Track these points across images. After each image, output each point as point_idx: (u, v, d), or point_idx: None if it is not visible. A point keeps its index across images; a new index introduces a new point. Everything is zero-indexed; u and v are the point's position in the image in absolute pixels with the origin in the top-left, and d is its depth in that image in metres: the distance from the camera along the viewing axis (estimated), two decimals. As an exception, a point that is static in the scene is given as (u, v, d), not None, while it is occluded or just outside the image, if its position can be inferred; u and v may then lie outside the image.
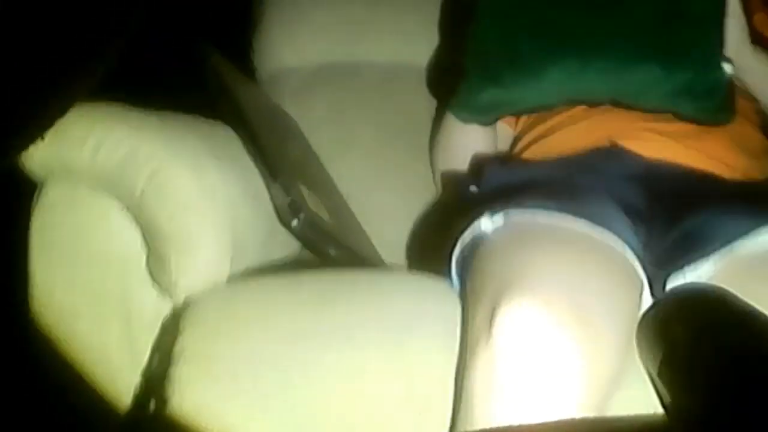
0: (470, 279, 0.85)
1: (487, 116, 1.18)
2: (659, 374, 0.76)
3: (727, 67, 1.08)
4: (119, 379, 0.94)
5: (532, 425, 0.71)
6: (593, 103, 1.13)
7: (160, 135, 0.92)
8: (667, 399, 0.75)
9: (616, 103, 1.11)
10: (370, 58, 1.43)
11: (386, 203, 1.31)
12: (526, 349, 0.71)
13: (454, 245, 0.91)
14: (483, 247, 0.87)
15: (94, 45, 0.93)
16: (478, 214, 0.90)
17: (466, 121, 1.19)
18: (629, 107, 1.10)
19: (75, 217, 0.93)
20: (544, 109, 1.15)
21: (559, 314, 0.73)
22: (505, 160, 1.21)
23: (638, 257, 0.86)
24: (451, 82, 1.20)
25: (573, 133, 1.13)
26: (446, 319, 0.84)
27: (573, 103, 1.14)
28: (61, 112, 0.91)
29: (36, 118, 0.90)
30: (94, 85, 0.94)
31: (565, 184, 0.98)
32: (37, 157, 0.92)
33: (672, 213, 0.95)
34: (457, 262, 0.91)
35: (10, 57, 0.85)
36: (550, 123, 1.17)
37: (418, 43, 1.43)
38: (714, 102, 1.09)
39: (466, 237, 0.90)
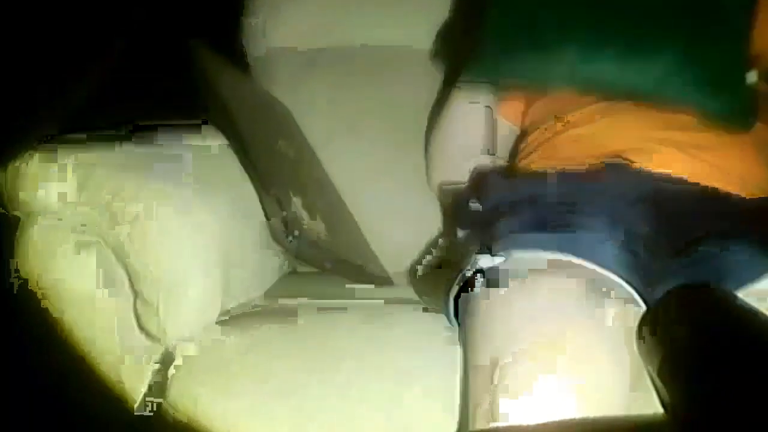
0: (470, 328, 0.84)
1: (502, 78, 1.14)
2: (659, 374, 0.76)
3: (751, 75, 1.05)
4: (111, 419, 0.92)
5: (532, 425, 0.72)
6: (608, 93, 1.08)
7: (144, 173, 0.90)
8: (667, 399, 0.75)
9: (633, 96, 1.06)
10: (365, 42, 1.39)
11: (382, 195, 1.29)
12: (528, 413, 0.71)
13: (453, 280, 0.89)
14: (482, 296, 0.85)
15: (94, 44, 0.91)
16: (476, 246, 0.88)
17: (477, 89, 1.17)
18: (646, 100, 1.06)
19: (58, 257, 0.91)
20: (558, 87, 1.11)
21: (561, 379, 0.73)
22: (507, 172, 1.17)
23: (638, 292, 0.84)
24: (453, 64, 1.17)
25: (583, 139, 1.08)
26: (446, 368, 0.82)
27: (587, 89, 1.09)
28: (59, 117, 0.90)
29: (34, 122, 0.89)
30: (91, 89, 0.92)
31: (565, 210, 0.94)
32: (17, 195, 0.90)
33: (679, 241, 0.92)
34: (455, 301, 0.89)
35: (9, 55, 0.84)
36: (560, 124, 1.12)
37: (414, 27, 1.39)
38: (736, 100, 1.05)
39: (466, 273, 0.88)
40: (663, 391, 0.76)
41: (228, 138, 1.02)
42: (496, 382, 0.73)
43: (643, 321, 0.82)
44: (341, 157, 1.29)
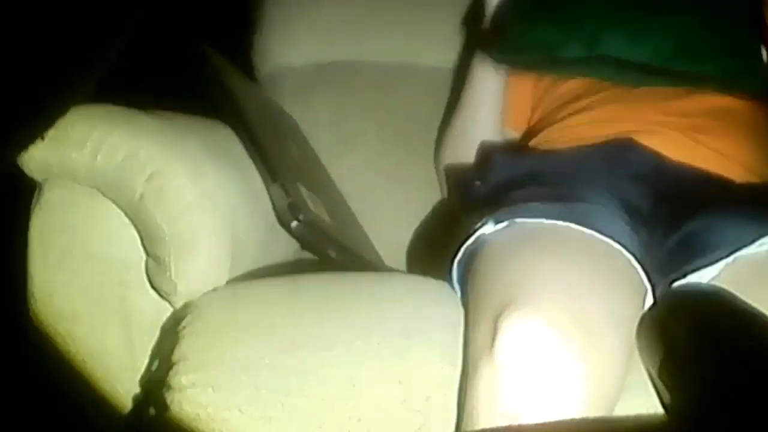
0: (471, 286, 0.85)
1: (520, 54, 1.14)
2: (659, 374, 0.76)
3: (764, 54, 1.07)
4: (119, 382, 0.93)
5: (532, 425, 0.71)
6: (627, 67, 1.09)
7: (159, 138, 0.92)
8: (667, 399, 0.75)
9: (651, 70, 1.08)
10: (372, 58, 1.42)
11: (387, 203, 1.31)
12: (528, 366, 0.71)
13: (457, 250, 0.91)
14: (484, 254, 0.86)
15: (94, 44, 0.93)
16: (480, 220, 0.89)
17: (498, 59, 1.18)
18: (664, 73, 1.08)
19: (74, 218, 0.93)
20: (578, 63, 1.12)
21: (562, 327, 0.72)
22: (512, 150, 1.19)
23: (641, 263, 0.85)
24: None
25: (592, 122, 1.10)
26: (447, 324, 0.83)
27: (607, 63, 1.10)
28: (61, 111, 0.91)
29: (37, 117, 0.90)
30: (94, 85, 0.93)
31: (570, 183, 0.97)
32: (36, 158, 0.91)
33: (676, 215, 0.94)
34: (458, 266, 0.91)
35: (10, 56, 0.85)
36: (569, 107, 1.15)
37: (419, 42, 1.43)
38: (754, 66, 1.07)
39: (469, 243, 0.90)
40: (663, 391, 0.76)
41: (237, 132, 1.03)
42: (497, 334, 0.72)
43: (643, 321, 0.83)
44: (344, 169, 1.32)
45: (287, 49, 1.43)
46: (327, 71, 1.40)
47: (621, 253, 0.84)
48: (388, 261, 1.21)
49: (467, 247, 0.90)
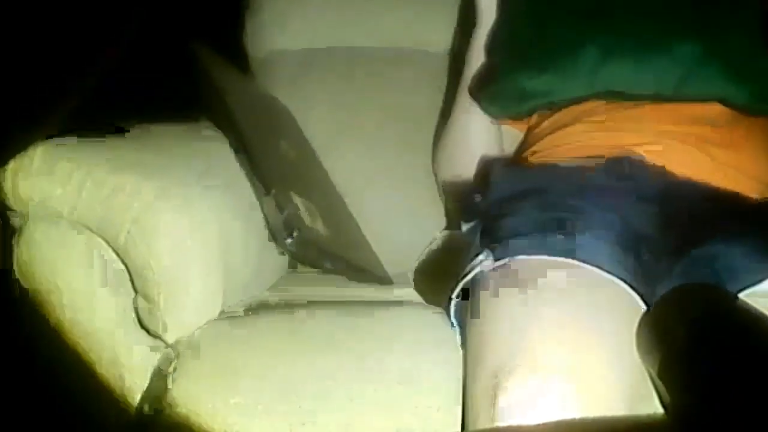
0: (470, 330, 0.83)
1: (519, 107, 1.13)
2: (659, 374, 0.76)
3: None
4: (111, 417, 0.92)
5: (532, 425, 0.71)
6: (633, 97, 1.06)
7: (145, 171, 0.90)
8: (667, 399, 0.75)
9: (659, 97, 1.05)
10: (367, 43, 1.39)
11: (384, 196, 1.29)
12: (528, 424, 0.70)
13: (456, 284, 0.88)
14: (483, 294, 0.84)
15: (88, 53, 0.92)
16: (479, 250, 0.87)
17: (495, 115, 1.16)
18: (669, 100, 1.05)
19: (58, 255, 0.91)
20: (579, 100, 1.09)
21: (560, 390, 0.72)
22: (512, 164, 1.16)
23: (644, 299, 0.83)
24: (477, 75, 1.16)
25: (596, 130, 1.07)
26: (446, 367, 0.82)
27: (610, 96, 1.07)
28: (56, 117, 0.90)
29: (34, 121, 0.89)
30: (87, 92, 0.92)
31: (571, 207, 0.92)
32: (19, 193, 0.90)
33: (684, 241, 0.91)
34: (456, 301, 0.89)
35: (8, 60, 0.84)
36: (569, 115, 1.11)
37: (417, 28, 1.39)
38: (762, 88, 1.04)
39: (467, 278, 0.87)
40: (663, 391, 0.76)
41: (229, 138, 1.02)
42: (497, 393, 0.72)
43: (643, 321, 0.82)
44: (342, 159, 1.29)
45: (280, 33, 1.39)
46: (320, 56, 1.37)
47: (625, 291, 0.82)
48: (388, 258, 1.20)
49: (465, 282, 0.87)
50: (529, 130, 1.19)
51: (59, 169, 0.87)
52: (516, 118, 1.17)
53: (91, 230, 0.90)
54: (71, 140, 0.91)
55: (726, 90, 1.04)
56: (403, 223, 1.28)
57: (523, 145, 1.19)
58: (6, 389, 0.93)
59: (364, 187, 1.28)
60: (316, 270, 1.04)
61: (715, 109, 1.05)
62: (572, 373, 0.72)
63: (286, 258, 1.09)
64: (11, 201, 0.91)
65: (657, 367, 0.77)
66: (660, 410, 0.77)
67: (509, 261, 0.85)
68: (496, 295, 0.83)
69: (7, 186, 0.89)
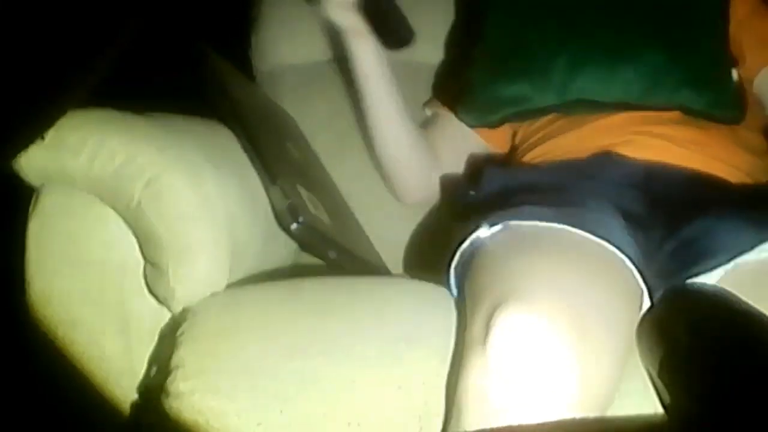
0: (468, 286, 0.84)
1: (493, 115, 1.17)
2: (659, 374, 0.76)
3: (734, 73, 1.09)
4: (117, 387, 0.93)
5: (532, 425, 0.71)
6: (600, 106, 1.11)
7: (157, 143, 0.91)
8: (667, 399, 0.75)
9: (625, 105, 1.10)
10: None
11: (387, 202, 1.30)
12: (520, 358, 0.70)
13: (453, 254, 0.90)
14: (481, 255, 0.86)
15: (94, 45, 0.93)
16: (476, 223, 0.89)
17: (471, 124, 1.19)
18: (636, 108, 1.09)
19: (71, 224, 0.93)
20: (551, 109, 1.14)
21: (557, 324, 0.71)
22: (504, 163, 1.20)
23: (637, 266, 0.85)
24: (453, 84, 1.20)
25: (570, 139, 1.11)
26: (445, 329, 0.83)
27: (580, 104, 1.12)
28: (61, 111, 0.91)
29: (36, 118, 0.90)
30: (93, 86, 0.93)
31: (563, 191, 0.97)
32: (33, 163, 0.91)
33: (672, 220, 0.93)
34: (455, 270, 0.91)
35: (8, 57, 0.85)
36: (547, 129, 1.16)
37: (419, 40, 1.42)
38: (724, 96, 1.08)
39: (465, 246, 0.89)
40: (663, 391, 0.76)
41: (235, 134, 1.03)
42: (490, 330, 0.71)
43: (643, 321, 0.83)
44: (346, 172, 1.31)
45: (286, 47, 1.42)
46: (326, 70, 1.39)
47: (616, 255, 0.84)
48: (388, 261, 1.20)
49: (463, 251, 0.89)
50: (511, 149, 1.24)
51: (72, 139, 0.89)
52: (490, 126, 1.20)
53: (102, 200, 0.92)
54: (85, 112, 0.92)
55: (689, 97, 1.08)
56: (402, 229, 1.29)
57: (510, 154, 1.22)
58: (11, 365, 0.94)
59: (365, 195, 1.30)
60: (320, 263, 1.04)
61: (678, 115, 1.09)
62: (569, 315, 0.72)
63: (289, 251, 1.09)
64: (25, 171, 0.92)
65: (657, 367, 0.77)
66: (660, 410, 0.77)
67: (504, 226, 0.87)
68: (493, 252, 0.85)
69: (21, 156, 0.90)
